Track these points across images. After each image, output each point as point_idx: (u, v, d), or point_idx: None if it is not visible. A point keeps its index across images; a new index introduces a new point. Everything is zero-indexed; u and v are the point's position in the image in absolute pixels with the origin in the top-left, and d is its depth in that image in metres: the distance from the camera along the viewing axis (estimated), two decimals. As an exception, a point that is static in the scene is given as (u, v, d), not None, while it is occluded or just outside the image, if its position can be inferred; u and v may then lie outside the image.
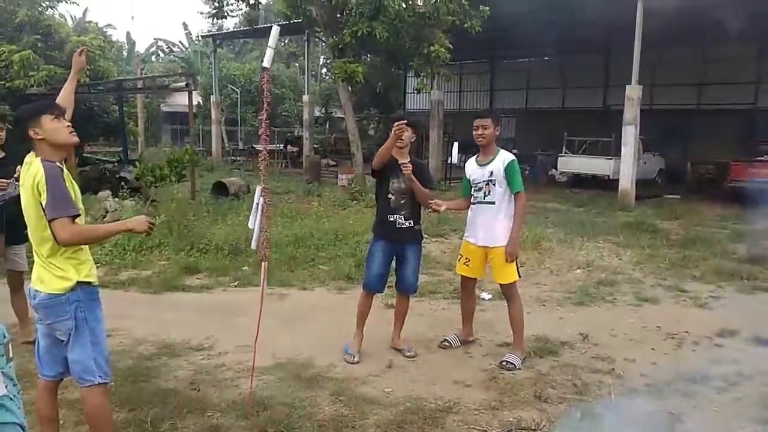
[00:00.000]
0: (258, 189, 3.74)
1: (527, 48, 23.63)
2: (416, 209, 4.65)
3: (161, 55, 45.87)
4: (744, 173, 15.48)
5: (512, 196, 4.58)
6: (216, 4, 17.13)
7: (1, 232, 4.64)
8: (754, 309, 6.15)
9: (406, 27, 13.49)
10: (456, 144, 19.91)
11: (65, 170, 2.92)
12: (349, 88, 16.01)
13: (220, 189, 12.68)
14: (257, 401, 3.79)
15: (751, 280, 7.17)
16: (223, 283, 6.87)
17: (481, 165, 4.67)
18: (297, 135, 26.49)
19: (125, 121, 16.85)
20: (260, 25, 22.47)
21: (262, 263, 3.85)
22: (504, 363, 4.53)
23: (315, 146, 23.81)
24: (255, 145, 25.82)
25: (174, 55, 43.50)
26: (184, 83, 13.92)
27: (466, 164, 4.86)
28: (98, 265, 5.19)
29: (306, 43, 22.68)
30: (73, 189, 2.91)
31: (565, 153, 19.03)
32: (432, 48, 13.55)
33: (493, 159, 4.61)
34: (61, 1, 16.41)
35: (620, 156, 14.99)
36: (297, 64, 36.01)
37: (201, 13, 29.24)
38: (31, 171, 2.83)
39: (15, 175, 4.06)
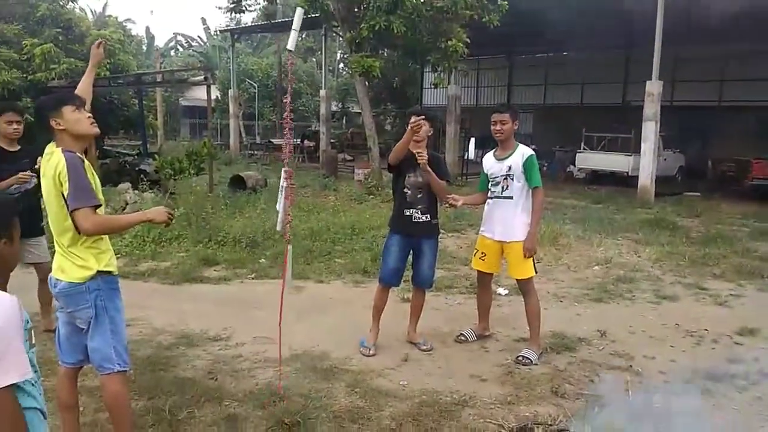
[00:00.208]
0: (283, 172, 3.76)
1: (546, 43, 23.44)
2: (433, 203, 4.64)
3: (180, 49, 46.20)
4: (765, 171, 15.25)
5: (530, 191, 4.55)
6: (234, -2, 17.22)
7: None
8: (776, 308, 6.06)
9: (424, 21, 13.43)
10: (473, 140, 19.91)
11: (86, 161, 2.94)
12: (366, 83, 16.01)
13: (237, 182, 12.75)
14: (274, 392, 3.81)
15: (772, 278, 7.07)
16: (241, 275, 6.92)
17: (500, 159, 4.64)
18: (314, 130, 26.56)
19: (145, 114, 16.98)
20: (278, 19, 22.52)
21: (286, 245, 3.88)
22: (520, 358, 4.51)
23: (332, 141, 23.85)
24: (272, 140, 25.98)
25: (193, 50, 43.78)
26: (202, 77, 14.01)
27: (484, 158, 4.84)
28: (118, 256, 5.25)
29: (323, 38, 22.69)
30: (94, 180, 2.93)
31: (584, 149, 18.87)
32: (450, 42, 13.48)
33: (511, 153, 4.58)
34: (82, -5, 16.64)
35: (639, 152, 14.84)
36: (314, 59, 36.08)
37: (219, 8, 29.30)
38: (52, 161, 2.84)
39: (36, 166, 4.10)
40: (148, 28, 56.14)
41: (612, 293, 6.44)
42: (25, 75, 14.19)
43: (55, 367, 3.32)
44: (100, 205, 2.88)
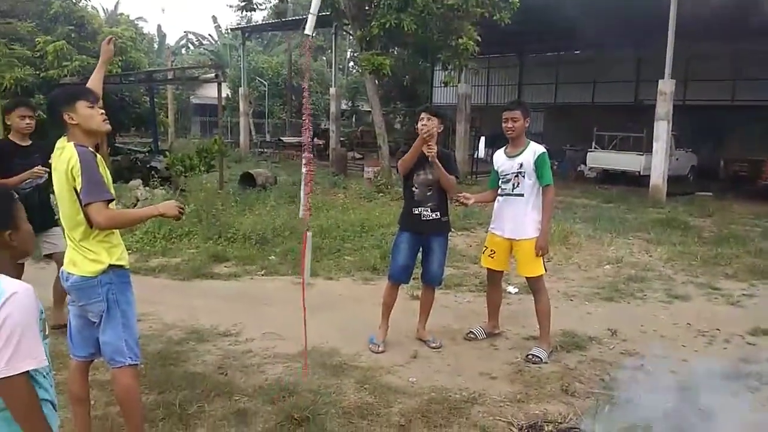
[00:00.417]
0: (303, 160, 3.79)
1: (556, 41, 23.30)
2: (443, 201, 4.62)
3: (191, 47, 46.42)
4: (779, 171, 15.12)
5: (541, 189, 4.53)
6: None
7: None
8: (789, 308, 6.00)
9: (435, 19, 13.39)
10: (483, 138, 19.84)
11: (98, 155, 2.96)
12: (376, 81, 15.99)
13: (247, 180, 12.79)
14: (283, 387, 3.82)
15: (786, 278, 7.00)
16: (251, 272, 6.94)
17: (511, 157, 4.62)
18: (324, 128, 26.60)
19: (156, 112, 17.07)
20: (289, 18, 22.54)
21: (305, 232, 3.90)
22: (530, 356, 4.49)
23: (341, 139, 23.87)
24: (282, 138, 26.06)
25: (204, 48, 43.97)
26: (213, 74, 14.06)
27: (495, 155, 4.81)
28: (129, 251, 5.26)
29: (333, 36, 22.69)
30: (106, 174, 2.94)
31: (595, 148, 18.75)
32: (460, 41, 13.43)
33: (523, 150, 4.56)
34: (94, -7, 16.72)
35: (651, 152, 14.73)
36: (324, 58, 36.09)
37: (230, 6, 29.44)
38: (65, 156, 2.85)
39: (50, 161, 4.12)
40: (159, 27, 56.52)
41: (623, 292, 6.40)
42: (37, 72, 14.29)
43: (66, 360, 3.34)
44: (113, 200, 2.89)
